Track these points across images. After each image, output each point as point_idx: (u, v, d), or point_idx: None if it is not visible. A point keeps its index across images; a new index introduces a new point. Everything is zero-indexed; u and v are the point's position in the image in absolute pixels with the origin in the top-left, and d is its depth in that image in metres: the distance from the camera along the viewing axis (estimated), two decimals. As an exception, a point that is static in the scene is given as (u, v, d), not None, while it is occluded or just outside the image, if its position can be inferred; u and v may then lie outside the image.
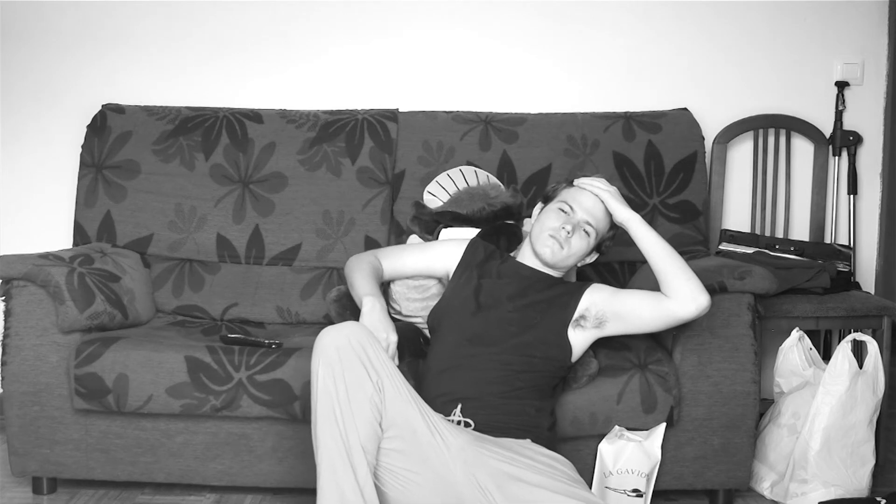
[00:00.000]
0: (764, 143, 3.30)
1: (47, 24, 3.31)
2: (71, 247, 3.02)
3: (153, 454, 2.58)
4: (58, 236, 3.26)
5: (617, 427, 2.47)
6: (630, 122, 3.12)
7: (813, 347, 2.77)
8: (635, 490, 2.45)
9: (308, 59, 3.32)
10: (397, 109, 3.17)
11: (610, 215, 2.36)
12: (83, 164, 3.09)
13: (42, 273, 2.55)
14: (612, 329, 2.33)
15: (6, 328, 2.59)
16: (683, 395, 2.50)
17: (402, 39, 3.32)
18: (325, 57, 3.33)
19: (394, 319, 2.54)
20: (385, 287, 2.65)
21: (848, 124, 3.31)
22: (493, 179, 2.94)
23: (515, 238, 2.68)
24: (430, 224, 2.78)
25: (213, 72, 3.32)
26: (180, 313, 3.00)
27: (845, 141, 3.30)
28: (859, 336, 2.71)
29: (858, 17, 3.31)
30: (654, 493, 2.51)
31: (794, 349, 2.73)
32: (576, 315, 2.33)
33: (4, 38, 3.31)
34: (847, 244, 3.26)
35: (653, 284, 2.32)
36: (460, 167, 2.97)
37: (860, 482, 2.61)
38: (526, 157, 3.08)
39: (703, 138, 3.13)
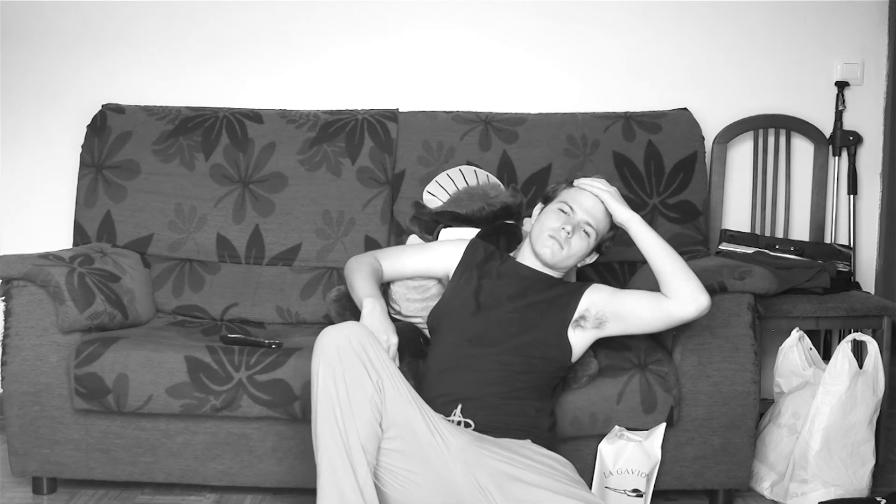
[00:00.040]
0: (764, 143, 3.30)
1: (47, 24, 3.31)
2: (71, 247, 3.02)
3: (153, 454, 2.58)
4: (58, 236, 3.26)
5: (617, 427, 2.47)
6: (630, 122, 3.12)
7: (813, 347, 2.77)
8: (635, 490, 2.45)
9: (308, 59, 3.32)
10: (397, 109, 3.17)
11: (610, 216, 2.36)
12: (83, 164, 3.09)
13: (42, 273, 2.55)
14: (611, 329, 2.33)
15: (6, 328, 2.59)
16: (683, 395, 2.50)
17: (402, 39, 3.32)
18: (325, 57, 3.32)
19: (394, 320, 2.54)
20: (385, 287, 2.65)
21: (848, 124, 3.31)
22: (493, 179, 2.94)
23: (515, 238, 2.68)
24: (430, 224, 2.78)
25: (213, 72, 3.32)
26: (180, 313, 3.00)
27: (845, 141, 3.30)
28: (859, 336, 2.71)
29: (858, 17, 3.31)
30: (654, 493, 2.51)
31: (794, 349, 2.73)
32: (576, 315, 2.33)
33: (4, 38, 3.31)
34: (847, 244, 3.26)
35: (653, 284, 2.31)
36: (460, 167, 2.97)
37: (860, 482, 2.61)
38: (526, 157, 3.07)
39: (703, 138, 3.13)
